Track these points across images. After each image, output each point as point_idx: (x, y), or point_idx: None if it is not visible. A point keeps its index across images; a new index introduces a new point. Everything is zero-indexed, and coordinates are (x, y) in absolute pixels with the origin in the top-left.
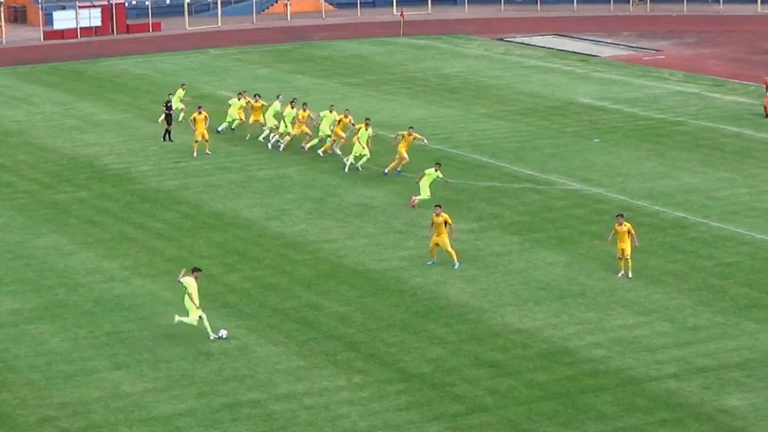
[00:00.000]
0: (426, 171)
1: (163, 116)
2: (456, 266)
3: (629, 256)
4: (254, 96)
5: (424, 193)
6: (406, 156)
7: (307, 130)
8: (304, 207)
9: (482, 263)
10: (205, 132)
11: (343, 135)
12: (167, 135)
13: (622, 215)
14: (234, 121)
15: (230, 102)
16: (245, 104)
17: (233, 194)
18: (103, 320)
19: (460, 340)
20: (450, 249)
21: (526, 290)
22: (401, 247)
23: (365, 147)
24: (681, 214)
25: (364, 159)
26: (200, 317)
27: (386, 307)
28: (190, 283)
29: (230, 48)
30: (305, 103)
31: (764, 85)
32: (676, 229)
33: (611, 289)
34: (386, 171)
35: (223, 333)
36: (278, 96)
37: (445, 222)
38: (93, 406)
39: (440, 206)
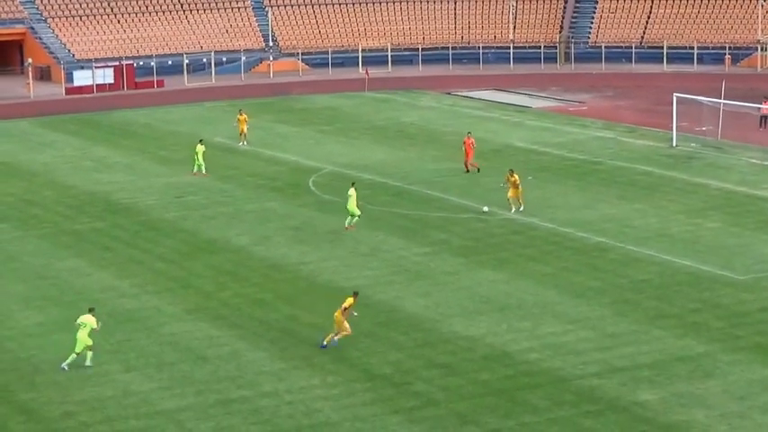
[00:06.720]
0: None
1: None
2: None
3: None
4: None
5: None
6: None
7: None
8: (285, 234)
9: (434, 280)
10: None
11: None
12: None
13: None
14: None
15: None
16: None
17: (225, 224)
18: (116, 330)
19: (416, 346)
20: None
21: (471, 303)
22: (366, 267)
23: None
24: (601, 239)
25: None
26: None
27: (354, 318)
28: (90, 320)
29: (222, 101)
30: None
31: (464, 144)
32: (597, 251)
33: (542, 302)
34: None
35: (65, 366)
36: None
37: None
38: (107, 402)
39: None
